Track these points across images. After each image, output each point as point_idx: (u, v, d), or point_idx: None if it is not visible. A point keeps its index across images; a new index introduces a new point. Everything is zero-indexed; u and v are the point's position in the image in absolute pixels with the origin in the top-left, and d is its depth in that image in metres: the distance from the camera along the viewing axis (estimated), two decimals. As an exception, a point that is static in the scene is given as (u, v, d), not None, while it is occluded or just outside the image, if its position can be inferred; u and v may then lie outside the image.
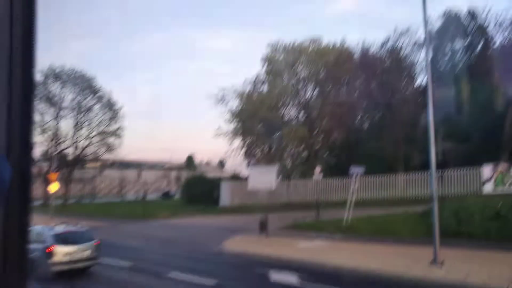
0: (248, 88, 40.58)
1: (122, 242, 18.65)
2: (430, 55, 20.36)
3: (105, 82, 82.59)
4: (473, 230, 14.11)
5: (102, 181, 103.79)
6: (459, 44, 28.00)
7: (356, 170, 19.11)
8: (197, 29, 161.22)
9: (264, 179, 30.72)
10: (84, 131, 49.55)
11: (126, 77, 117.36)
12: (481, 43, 28.01)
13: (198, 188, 45.11)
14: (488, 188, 21.75)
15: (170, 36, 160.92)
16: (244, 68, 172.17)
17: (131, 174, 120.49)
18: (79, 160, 50.77)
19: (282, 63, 28.88)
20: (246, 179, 41.43)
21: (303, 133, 25.99)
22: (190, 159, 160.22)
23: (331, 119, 26.04)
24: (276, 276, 10.92)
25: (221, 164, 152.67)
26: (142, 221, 28.26)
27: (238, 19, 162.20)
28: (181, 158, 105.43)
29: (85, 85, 48.35)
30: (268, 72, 29.93)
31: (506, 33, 26.10)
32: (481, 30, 27.52)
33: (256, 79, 34.83)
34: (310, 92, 28.73)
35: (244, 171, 51.94)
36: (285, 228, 19.76)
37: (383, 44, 26.99)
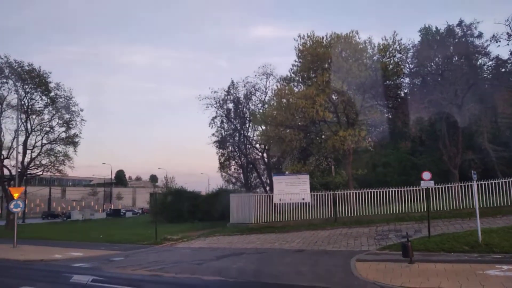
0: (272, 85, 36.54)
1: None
2: None
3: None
4: None
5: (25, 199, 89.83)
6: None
7: (474, 176, 16.03)
8: (113, 44, 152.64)
9: (294, 190, 26.48)
10: (32, 138, 40.44)
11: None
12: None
13: (183, 204, 39.19)
14: None
15: (84, 49, 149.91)
16: (165, 85, 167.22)
17: (53, 191, 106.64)
18: (25, 173, 41.03)
19: (317, 57, 25.15)
20: (267, 191, 36.68)
21: (364, 135, 22.32)
22: (120, 175, 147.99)
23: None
24: None
25: (153, 179, 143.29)
26: (154, 247, 22.21)
27: (156, 37, 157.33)
28: (104, 174, 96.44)
29: (36, 81, 39.56)
30: (301, 68, 26.03)
31: None
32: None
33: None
34: (354, 92, 25.11)
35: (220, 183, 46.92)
36: (390, 250, 15.85)
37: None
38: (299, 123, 24.89)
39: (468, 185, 22.74)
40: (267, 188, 37.23)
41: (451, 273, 11.69)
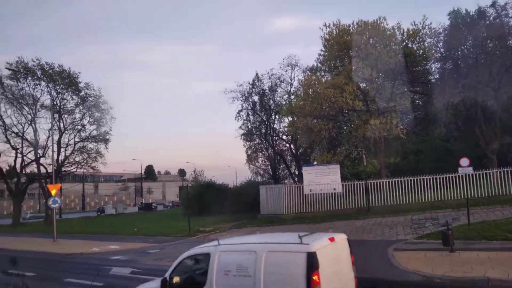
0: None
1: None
2: None
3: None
4: None
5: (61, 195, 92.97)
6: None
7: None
8: (134, 42, 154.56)
9: (324, 180, 26.25)
10: (65, 137, 41.76)
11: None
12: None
13: (213, 197, 39.54)
14: None
15: (109, 48, 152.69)
16: (189, 81, 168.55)
17: (86, 187, 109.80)
18: (60, 171, 42.44)
19: (344, 45, 24.70)
20: (296, 181, 36.82)
21: (396, 123, 21.92)
22: (149, 169, 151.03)
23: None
24: None
25: (182, 173, 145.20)
26: (188, 239, 22.57)
27: (176, 34, 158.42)
28: (134, 170, 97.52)
29: (66, 82, 40.71)
30: (328, 57, 25.69)
31: None
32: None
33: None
34: (383, 79, 24.52)
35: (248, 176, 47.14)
36: (428, 239, 15.50)
37: None
38: (328, 113, 24.55)
39: (507, 171, 21.91)
40: (296, 179, 37.09)
41: (496, 262, 11.33)
